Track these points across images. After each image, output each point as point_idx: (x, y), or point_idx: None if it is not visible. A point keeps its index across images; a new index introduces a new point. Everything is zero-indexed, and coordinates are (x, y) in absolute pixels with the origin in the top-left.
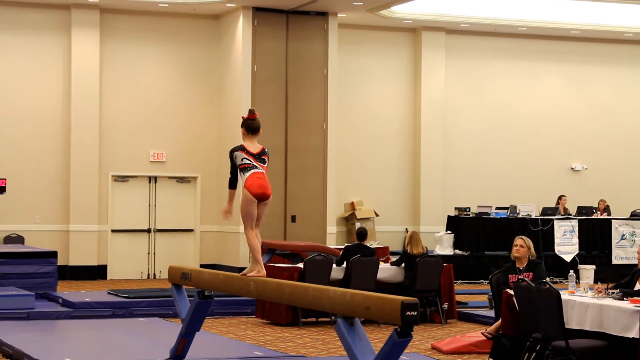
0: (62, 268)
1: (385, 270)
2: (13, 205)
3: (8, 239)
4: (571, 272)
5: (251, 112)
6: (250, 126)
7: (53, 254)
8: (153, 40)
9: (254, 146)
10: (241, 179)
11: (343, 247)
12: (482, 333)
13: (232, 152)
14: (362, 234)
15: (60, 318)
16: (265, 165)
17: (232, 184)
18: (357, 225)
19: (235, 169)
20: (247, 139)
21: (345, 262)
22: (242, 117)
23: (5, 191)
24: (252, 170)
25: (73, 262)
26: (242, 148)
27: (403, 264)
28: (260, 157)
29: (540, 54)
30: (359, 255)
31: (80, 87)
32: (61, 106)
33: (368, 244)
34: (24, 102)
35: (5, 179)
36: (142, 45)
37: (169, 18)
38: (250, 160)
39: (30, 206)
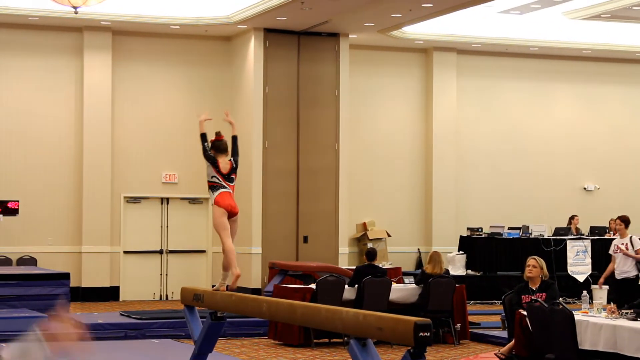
0: (74, 289)
1: (398, 291)
2: (26, 227)
3: (21, 261)
4: (584, 292)
5: (217, 134)
6: (219, 147)
7: (66, 276)
8: (165, 62)
9: (225, 163)
10: (210, 196)
11: (354, 268)
12: (495, 354)
13: (208, 158)
14: (371, 254)
15: None
16: (233, 183)
17: (204, 137)
18: (370, 246)
19: (204, 152)
20: (218, 157)
21: (356, 284)
22: (210, 140)
23: (18, 213)
24: (220, 190)
25: (85, 283)
26: (216, 165)
27: (422, 285)
28: (229, 176)
29: (552, 74)
30: (371, 276)
31: (93, 109)
32: (73, 128)
33: (380, 265)
34: (36, 124)
35: (18, 201)
36: (154, 67)
37: (181, 40)
38: (219, 180)
39: (43, 228)
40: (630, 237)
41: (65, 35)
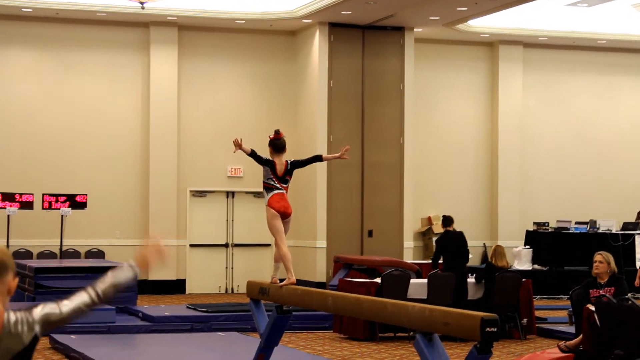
0: (141, 282)
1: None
2: (94, 221)
3: (89, 254)
4: None
5: (276, 132)
6: (277, 145)
7: None
8: (230, 56)
9: (280, 164)
10: (265, 197)
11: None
12: (559, 345)
13: (265, 161)
14: (447, 220)
15: (140, 332)
16: (287, 184)
17: (254, 153)
18: (434, 240)
19: (260, 161)
20: (275, 157)
21: (441, 254)
22: (269, 137)
23: (86, 207)
24: (274, 191)
25: (152, 276)
26: (272, 166)
27: (483, 280)
28: (284, 177)
29: (620, 68)
30: (437, 270)
31: (159, 103)
32: (140, 122)
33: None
34: (104, 119)
35: (86, 195)
36: (220, 62)
37: (246, 34)
38: (274, 182)
39: (111, 221)
40: None
41: (132, 30)
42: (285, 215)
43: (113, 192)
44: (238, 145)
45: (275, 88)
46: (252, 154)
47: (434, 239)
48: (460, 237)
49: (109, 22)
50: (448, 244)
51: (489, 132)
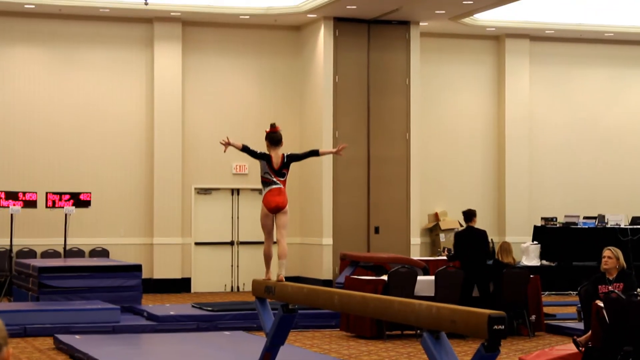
0: (146, 281)
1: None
2: (98, 219)
3: (93, 252)
4: None
5: (272, 125)
6: (273, 139)
7: (137, 268)
8: (235, 52)
9: (277, 157)
10: (262, 190)
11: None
12: (574, 338)
13: (260, 155)
14: (468, 215)
15: (145, 331)
16: (284, 178)
17: (246, 148)
18: (442, 236)
19: (255, 156)
20: (271, 150)
21: (458, 252)
22: (265, 131)
23: (90, 205)
24: (271, 187)
25: (157, 275)
26: (268, 159)
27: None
28: (280, 171)
29: (627, 60)
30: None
31: (163, 100)
32: (144, 119)
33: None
34: (107, 115)
35: (90, 193)
36: (224, 57)
37: (250, 30)
38: (270, 176)
39: (115, 220)
40: None
41: (136, 26)
42: (278, 210)
43: (117, 190)
44: (226, 144)
45: (281, 83)
46: (245, 149)
47: (441, 235)
48: (482, 236)
49: (112, 18)
50: (468, 242)
51: (496, 126)
